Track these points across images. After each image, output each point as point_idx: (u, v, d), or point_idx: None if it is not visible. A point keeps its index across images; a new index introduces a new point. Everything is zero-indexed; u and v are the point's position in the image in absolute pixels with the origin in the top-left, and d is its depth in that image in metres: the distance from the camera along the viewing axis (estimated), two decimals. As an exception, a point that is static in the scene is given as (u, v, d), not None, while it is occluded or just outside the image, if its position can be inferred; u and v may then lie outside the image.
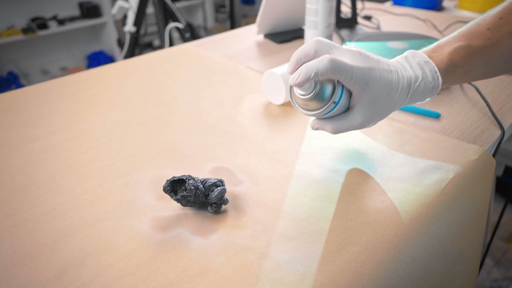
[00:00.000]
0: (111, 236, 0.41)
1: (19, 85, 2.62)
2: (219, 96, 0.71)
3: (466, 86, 0.72)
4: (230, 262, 0.38)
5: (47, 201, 0.47)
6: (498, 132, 0.58)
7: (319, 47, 0.42)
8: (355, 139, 0.57)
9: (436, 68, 0.46)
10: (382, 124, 0.60)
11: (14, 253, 0.40)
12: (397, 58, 0.47)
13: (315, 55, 0.42)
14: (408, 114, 0.64)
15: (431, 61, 0.46)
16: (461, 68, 0.46)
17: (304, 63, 0.42)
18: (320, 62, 0.40)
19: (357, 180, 0.49)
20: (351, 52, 0.43)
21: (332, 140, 0.57)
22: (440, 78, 0.46)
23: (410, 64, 0.46)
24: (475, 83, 0.72)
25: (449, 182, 0.47)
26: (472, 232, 0.54)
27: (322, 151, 0.55)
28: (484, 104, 0.66)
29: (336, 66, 0.40)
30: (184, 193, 0.42)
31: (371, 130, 0.59)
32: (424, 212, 0.43)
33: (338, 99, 0.42)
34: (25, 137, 0.60)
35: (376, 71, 0.42)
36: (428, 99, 0.47)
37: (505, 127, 0.59)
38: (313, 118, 0.47)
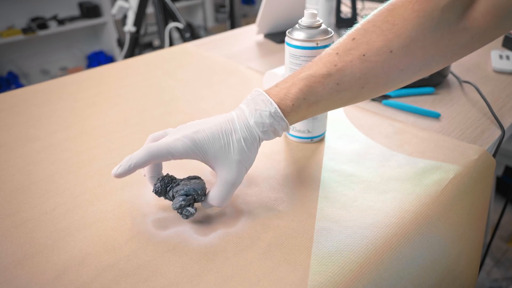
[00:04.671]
0: (111, 236, 0.41)
1: (19, 85, 2.62)
2: (219, 96, 0.71)
3: (466, 86, 0.72)
4: (230, 262, 0.38)
5: (47, 201, 0.47)
6: (498, 132, 0.58)
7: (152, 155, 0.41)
8: (355, 139, 0.57)
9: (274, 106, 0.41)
10: (382, 124, 0.60)
11: (14, 253, 0.40)
12: (241, 104, 0.44)
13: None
14: (408, 114, 0.64)
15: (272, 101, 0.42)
16: (303, 100, 0.41)
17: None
18: (137, 153, 0.40)
19: (357, 180, 0.49)
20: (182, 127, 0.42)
21: (332, 140, 0.57)
22: (282, 116, 0.42)
23: (249, 108, 0.42)
24: (475, 82, 0.72)
25: (449, 182, 0.47)
26: (472, 232, 0.54)
27: (322, 151, 0.54)
28: (484, 104, 0.65)
29: (152, 152, 0.40)
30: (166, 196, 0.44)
31: (371, 130, 0.59)
32: (424, 212, 0.43)
33: None
34: (25, 137, 0.60)
35: (200, 133, 0.41)
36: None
37: (505, 127, 0.59)
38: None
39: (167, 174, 0.44)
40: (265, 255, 0.39)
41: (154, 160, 0.41)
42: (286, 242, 0.40)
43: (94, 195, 0.47)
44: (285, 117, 0.42)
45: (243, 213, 0.44)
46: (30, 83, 2.69)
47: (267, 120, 0.42)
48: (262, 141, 0.43)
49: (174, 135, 0.41)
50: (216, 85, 0.76)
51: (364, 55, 0.40)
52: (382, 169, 0.50)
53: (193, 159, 0.41)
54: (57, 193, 0.48)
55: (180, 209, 0.42)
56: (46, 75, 2.80)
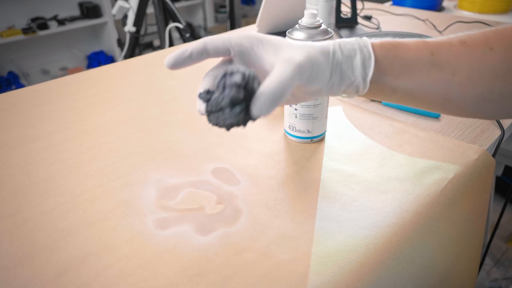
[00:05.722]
0: (111, 236, 0.41)
1: (19, 85, 2.61)
2: (219, 96, 0.71)
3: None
4: (230, 262, 0.38)
5: (47, 201, 0.47)
6: (498, 132, 0.58)
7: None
8: (355, 139, 0.57)
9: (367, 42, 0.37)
10: (382, 124, 0.60)
11: (14, 253, 0.40)
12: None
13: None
14: (408, 114, 0.64)
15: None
16: (399, 60, 0.38)
17: None
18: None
19: (357, 180, 0.49)
20: None
21: (332, 140, 0.57)
22: (370, 46, 0.37)
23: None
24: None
25: (449, 182, 0.47)
26: (472, 232, 0.54)
27: (322, 151, 0.55)
28: (484, 104, 0.65)
29: (209, 39, 0.38)
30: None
31: (371, 130, 0.59)
32: (424, 212, 0.43)
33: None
34: (25, 137, 0.60)
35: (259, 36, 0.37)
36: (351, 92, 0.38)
37: (505, 127, 0.59)
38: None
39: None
40: (265, 255, 0.39)
41: (211, 47, 0.38)
42: (286, 242, 0.40)
43: (94, 195, 0.47)
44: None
45: (243, 213, 0.44)
46: (30, 83, 2.69)
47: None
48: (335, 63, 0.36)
49: None
50: (216, 85, 0.76)
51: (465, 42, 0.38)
52: (382, 169, 0.50)
53: (249, 50, 0.38)
54: (57, 193, 0.48)
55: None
56: (46, 75, 2.80)
